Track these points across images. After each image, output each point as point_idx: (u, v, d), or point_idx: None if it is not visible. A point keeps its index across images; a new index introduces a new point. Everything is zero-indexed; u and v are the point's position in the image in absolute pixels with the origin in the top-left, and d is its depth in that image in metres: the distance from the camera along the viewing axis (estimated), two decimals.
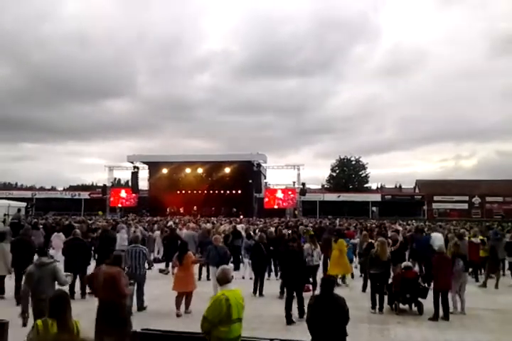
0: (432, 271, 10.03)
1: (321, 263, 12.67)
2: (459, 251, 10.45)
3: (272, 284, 12.05)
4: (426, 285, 10.36)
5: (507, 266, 15.10)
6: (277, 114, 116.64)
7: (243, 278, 13.39)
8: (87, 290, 10.73)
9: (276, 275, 13.58)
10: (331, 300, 5.68)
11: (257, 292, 11.64)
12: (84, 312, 9.65)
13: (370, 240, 13.02)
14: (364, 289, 11.86)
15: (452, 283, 9.86)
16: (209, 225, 20.19)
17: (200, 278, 13.64)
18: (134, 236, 11.11)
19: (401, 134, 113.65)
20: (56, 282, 7.19)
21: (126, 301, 6.95)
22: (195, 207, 43.65)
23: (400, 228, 21.22)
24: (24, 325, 6.39)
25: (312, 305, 5.74)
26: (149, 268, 14.18)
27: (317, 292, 9.42)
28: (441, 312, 9.25)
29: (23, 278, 7.75)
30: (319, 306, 5.63)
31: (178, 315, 9.27)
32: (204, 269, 13.92)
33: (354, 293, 11.87)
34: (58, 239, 17.58)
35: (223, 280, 5.33)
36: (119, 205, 49.67)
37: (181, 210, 44.29)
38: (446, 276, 9.44)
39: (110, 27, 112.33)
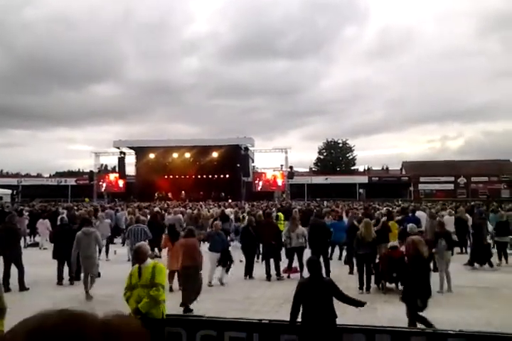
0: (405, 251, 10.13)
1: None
2: (441, 230, 10.59)
3: (261, 267, 12.11)
4: None
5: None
6: (266, 96, 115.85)
7: (241, 261, 13.41)
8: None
9: (258, 257, 13.54)
10: (320, 282, 5.59)
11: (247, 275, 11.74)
12: (74, 297, 9.69)
13: (354, 221, 13.18)
14: (351, 271, 11.96)
15: (438, 263, 10.03)
16: (195, 211, 20.11)
17: None
18: (136, 217, 13.17)
19: (388, 116, 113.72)
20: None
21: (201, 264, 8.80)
22: (183, 191, 43.56)
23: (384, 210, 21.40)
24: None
25: (300, 288, 5.58)
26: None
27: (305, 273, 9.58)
28: None
29: (74, 243, 10.07)
30: (307, 289, 5.54)
31: (170, 289, 9.63)
32: None
33: (341, 273, 12.00)
34: (43, 225, 17.54)
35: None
36: (106, 191, 49.39)
37: (169, 195, 44.18)
38: None
39: (95, 10, 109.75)
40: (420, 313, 6.79)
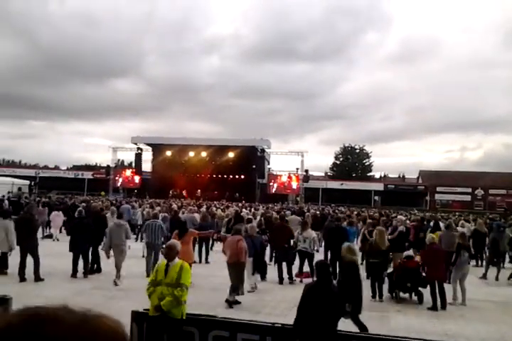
0: (423, 261, 10.06)
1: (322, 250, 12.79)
2: (464, 243, 10.45)
3: (273, 270, 12.07)
4: None
5: (507, 259, 15.10)
6: (284, 99, 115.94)
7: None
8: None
9: (271, 260, 13.55)
10: (327, 287, 5.46)
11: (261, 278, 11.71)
12: (87, 290, 9.78)
13: (371, 228, 13.11)
14: (368, 277, 11.89)
15: (454, 274, 9.90)
16: (210, 210, 20.22)
17: (200, 262, 13.79)
18: (154, 213, 13.58)
19: (407, 124, 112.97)
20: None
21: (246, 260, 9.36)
22: (198, 190, 43.71)
23: (403, 217, 21.22)
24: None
25: (306, 292, 5.49)
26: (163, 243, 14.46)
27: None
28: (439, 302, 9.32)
29: (107, 233, 11.29)
30: (313, 294, 5.46)
31: None
32: (203, 252, 14.13)
33: None
34: (58, 217, 17.78)
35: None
36: (121, 186, 49.78)
37: (184, 193, 44.37)
38: (438, 266, 9.45)
39: (118, 6, 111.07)
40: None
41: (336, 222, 13.79)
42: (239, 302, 8.96)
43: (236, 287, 9.00)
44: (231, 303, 8.84)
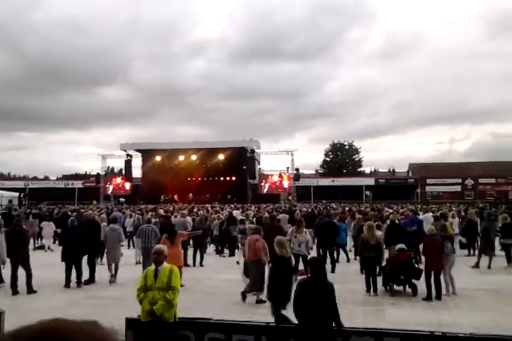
0: (422, 252, 10.18)
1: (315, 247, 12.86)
2: (446, 234, 10.55)
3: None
4: (419, 266, 10.47)
5: (498, 247, 15.20)
6: (272, 99, 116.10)
7: (238, 263, 13.44)
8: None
9: None
10: (320, 283, 5.47)
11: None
12: (81, 301, 9.72)
13: (361, 223, 13.25)
14: (362, 271, 11.96)
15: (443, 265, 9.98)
16: (204, 213, 20.20)
17: (194, 265, 13.79)
18: (147, 218, 14.03)
19: (396, 118, 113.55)
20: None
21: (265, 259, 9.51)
22: (190, 194, 43.63)
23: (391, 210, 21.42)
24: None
25: (301, 288, 5.54)
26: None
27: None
28: (433, 292, 9.39)
29: (102, 236, 12.06)
30: (309, 289, 5.47)
31: None
32: (198, 256, 14.11)
33: (350, 276, 11.97)
34: (48, 227, 17.67)
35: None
36: (112, 194, 49.54)
37: (176, 198, 44.26)
38: (436, 257, 9.56)
39: (103, 13, 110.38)
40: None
41: (327, 218, 13.88)
42: (264, 301, 8.88)
43: (256, 285, 9.17)
44: (245, 297, 9.17)
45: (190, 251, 14.25)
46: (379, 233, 11.20)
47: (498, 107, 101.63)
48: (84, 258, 11.51)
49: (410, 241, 12.22)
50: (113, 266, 11.67)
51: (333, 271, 12.02)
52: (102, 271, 11.75)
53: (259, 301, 8.98)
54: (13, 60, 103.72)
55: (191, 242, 14.34)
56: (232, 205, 31.43)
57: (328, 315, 5.30)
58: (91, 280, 11.56)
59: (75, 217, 13.99)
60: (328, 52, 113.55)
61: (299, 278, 10.55)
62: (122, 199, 46.79)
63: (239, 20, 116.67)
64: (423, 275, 9.74)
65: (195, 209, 24.18)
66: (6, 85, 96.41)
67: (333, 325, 5.32)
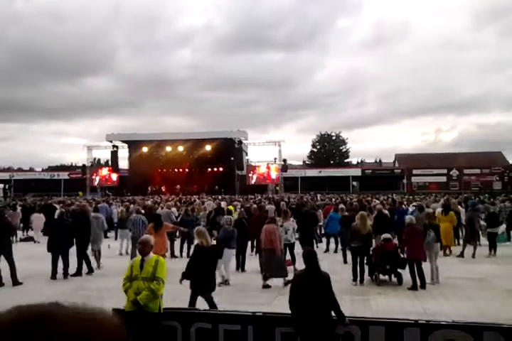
0: (403, 241, 10.29)
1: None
2: (430, 222, 10.67)
3: (254, 260, 12.10)
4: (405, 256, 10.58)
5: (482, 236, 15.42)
6: (259, 89, 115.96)
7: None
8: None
9: (252, 251, 13.62)
10: (316, 274, 5.52)
11: (239, 268, 11.76)
12: (67, 292, 9.67)
13: (345, 213, 13.35)
14: (345, 261, 12.08)
15: (427, 254, 10.09)
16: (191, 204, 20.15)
17: (181, 256, 13.81)
18: (136, 208, 14.56)
19: (382, 109, 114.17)
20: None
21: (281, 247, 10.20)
22: (177, 185, 43.48)
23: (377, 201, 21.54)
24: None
25: (297, 280, 5.58)
26: None
27: (297, 265, 9.63)
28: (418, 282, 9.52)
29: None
30: (305, 281, 5.51)
31: None
32: (185, 247, 14.10)
33: (336, 265, 12.05)
34: (38, 219, 17.50)
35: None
36: (99, 185, 49.20)
37: (163, 189, 44.10)
38: (416, 247, 9.67)
39: (86, 2, 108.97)
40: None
41: (312, 209, 14.00)
42: (269, 286, 9.78)
43: (280, 271, 9.86)
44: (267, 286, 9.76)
45: (178, 242, 14.23)
46: (368, 223, 11.28)
47: (483, 97, 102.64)
48: (75, 251, 11.46)
49: (397, 230, 12.35)
50: (97, 252, 12.32)
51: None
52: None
53: (287, 283, 9.14)
54: None
55: (178, 233, 14.31)
56: (220, 196, 31.38)
57: (326, 306, 5.33)
58: (78, 272, 11.47)
59: (64, 209, 13.84)
60: (315, 41, 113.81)
61: (289, 268, 10.70)
62: (108, 192, 46.48)
63: (225, 8, 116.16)
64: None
65: (183, 201, 24.12)
66: None
67: (334, 315, 5.34)
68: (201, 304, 6.96)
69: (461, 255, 13.38)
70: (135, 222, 12.47)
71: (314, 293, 5.31)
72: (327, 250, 14.62)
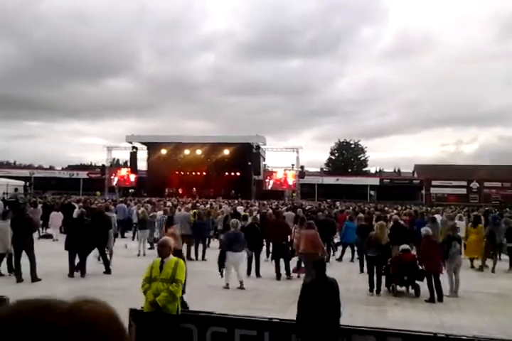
0: (420, 254, 10.15)
1: None
2: (454, 234, 10.52)
3: (270, 266, 12.05)
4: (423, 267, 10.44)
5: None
6: (280, 95, 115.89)
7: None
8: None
9: (268, 256, 13.56)
10: (325, 282, 5.60)
11: (251, 273, 11.70)
12: (84, 289, 9.76)
13: (363, 222, 13.23)
14: (361, 271, 11.97)
15: (447, 266, 9.95)
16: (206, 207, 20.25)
17: (196, 259, 13.86)
18: (164, 209, 16.23)
19: (403, 118, 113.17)
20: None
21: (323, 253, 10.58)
22: (194, 188, 43.65)
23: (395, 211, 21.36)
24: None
25: (305, 289, 5.60)
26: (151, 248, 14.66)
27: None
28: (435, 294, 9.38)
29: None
30: (312, 289, 5.52)
31: None
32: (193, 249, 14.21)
33: (352, 275, 11.96)
34: (57, 217, 17.73)
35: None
36: (117, 185, 49.67)
37: (180, 191, 44.32)
38: (434, 259, 9.54)
39: (112, 5, 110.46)
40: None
41: (329, 217, 13.91)
42: None
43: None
44: None
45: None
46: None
47: (506, 110, 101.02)
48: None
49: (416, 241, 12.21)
50: (108, 252, 12.34)
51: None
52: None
53: None
54: (21, 50, 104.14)
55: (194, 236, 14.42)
56: (236, 201, 31.41)
57: (333, 313, 5.31)
58: (107, 271, 11.64)
59: (83, 209, 14.03)
60: (337, 49, 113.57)
61: (302, 276, 10.66)
62: (131, 191, 46.88)
63: (249, 14, 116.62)
64: None
65: (198, 204, 24.21)
66: (14, 75, 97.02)
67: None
68: (216, 307, 6.97)
69: (481, 269, 13.17)
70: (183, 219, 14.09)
71: (322, 300, 5.32)
72: (340, 259, 14.50)
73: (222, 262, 10.45)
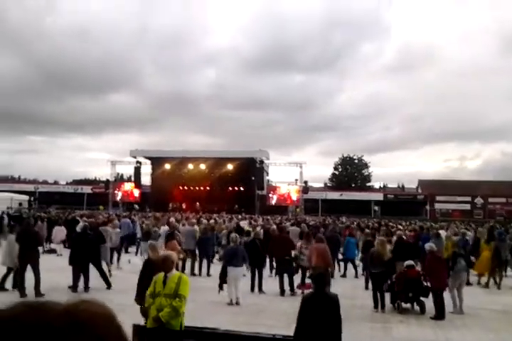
0: (425, 270, 10.10)
1: None
2: (459, 251, 10.48)
3: (274, 282, 12.00)
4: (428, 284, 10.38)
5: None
6: (282, 110, 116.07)
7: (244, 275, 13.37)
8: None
9: (271, 272, 13.50)
10: (325, 297, 5.57)
11: (255, 289, 11.63)
12: None
13: (368, 238, 13.20)
14: (366, 287, 11.90)
15: (451, 282, 9.89)
16: (210, 222, 20.24)
17: (200, 274, 13.81)
18: (172, 225, 15.60)
19: (406, 133, 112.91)
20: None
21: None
22: (197, 203, 43.64)
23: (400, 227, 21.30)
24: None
25: (304, 303, 5.57)
26: None
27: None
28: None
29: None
30: (312, 303, 5.49)
31: None
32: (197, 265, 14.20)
33: (357, 291, 11.89)
34: (60, 232, 17.77)
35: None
36: (121, 200, 49.72)
37: (183, 206, 44.30)
38: (439, 275, 9.48)
39: (114, 19, 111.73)
40: None
41: (335, 232, 13.90)
42: None
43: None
44: None
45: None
46: (388, 248, 11.15)
47: (510, 125, 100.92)
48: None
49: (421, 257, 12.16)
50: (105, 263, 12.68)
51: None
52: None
53: None
54: (25, 65, 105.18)
55: (198, 252, 14.38)
56: (240, 216, 31.36)
57: (333, 329, 5.29)
58: (107, 285, 11.66)
59: (87, 223, 14.06)
60: (340, 64, 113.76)
61: (306, 292, 10.60)
62: (136, 206, 46.87)
63: (251, 30, 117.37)
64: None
65: (202, 219, 24.19)
66: (18, 89, 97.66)
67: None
68: (220, 323, 6.94)
69: (486, 285, 13.07)
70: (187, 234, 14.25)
71: (321, 315, 5.30)
72: (344, 275, 14.44)
73: (223, 277, 10.42)
